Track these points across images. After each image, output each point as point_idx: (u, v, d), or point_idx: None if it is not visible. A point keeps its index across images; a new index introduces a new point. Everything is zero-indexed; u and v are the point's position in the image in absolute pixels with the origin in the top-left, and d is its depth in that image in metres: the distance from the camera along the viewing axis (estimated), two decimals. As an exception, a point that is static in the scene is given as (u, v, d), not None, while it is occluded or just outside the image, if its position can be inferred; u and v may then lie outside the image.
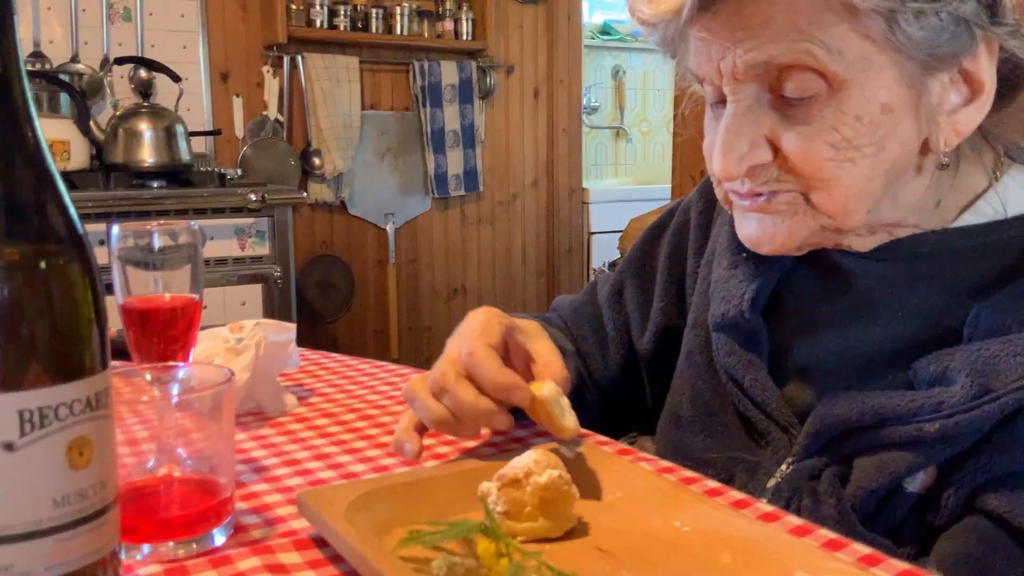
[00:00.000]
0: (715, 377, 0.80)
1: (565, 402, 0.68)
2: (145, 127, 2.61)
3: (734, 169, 0.66)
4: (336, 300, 3.45)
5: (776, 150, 0.65)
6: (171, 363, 0.71)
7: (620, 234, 2.79)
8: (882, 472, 0.64)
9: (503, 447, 0.76)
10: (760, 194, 0.68)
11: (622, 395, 0.94)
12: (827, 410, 0.67)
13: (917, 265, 0.71)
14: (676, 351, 0.87)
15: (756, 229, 0.70)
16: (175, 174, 2.66)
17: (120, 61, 2.80)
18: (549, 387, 0.67)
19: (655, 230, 0.94)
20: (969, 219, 0.70)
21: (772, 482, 0.71)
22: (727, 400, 0.79)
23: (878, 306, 0.72)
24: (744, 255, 0.79)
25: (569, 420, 0.68)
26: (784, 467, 0.70)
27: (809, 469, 0.68)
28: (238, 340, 0.83)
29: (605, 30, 4.62)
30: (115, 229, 0.74)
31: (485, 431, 0.75)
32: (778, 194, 0.67)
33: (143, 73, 2.75)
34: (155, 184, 2.59)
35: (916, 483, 0.64)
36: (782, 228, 0.68)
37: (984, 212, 0.70)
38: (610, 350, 0.94)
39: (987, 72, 0.65)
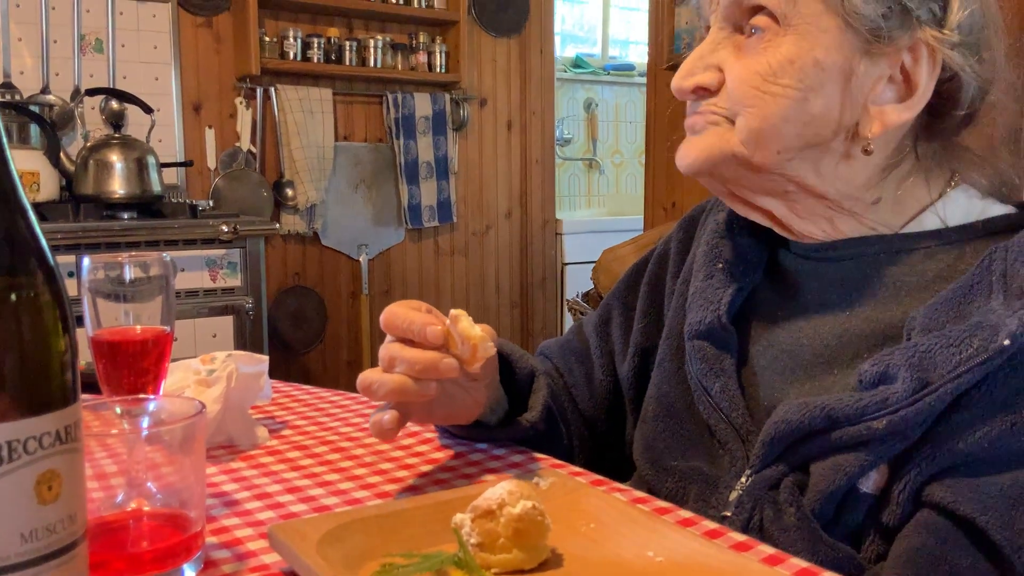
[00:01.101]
0: (683, 384, 0.83)
1: (472, 321, 0.71)
2: (116, 158, 2.60)
3: (683, 82, 0.75)
4: (308, 332, 3.43)
5: (723, 81, 0.73)
6: (141, 396, 0.70)
7: (593, 265, 2.80)
8: (837, 474, 0.65)
9: (476, 478, 0.76)
10: (699, 112, 0.75)
11: (609, 427, 0.95)
12: (780, 417, 0.69)
13: (863, 266, 0.75)
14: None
15: (682, 148, 0.77)
16: (146, 205, 2.65)
17: (91, 92, 2.79)
18: (456, 310, 0.71)
19: (641, 263, 0.99)
20: (913, 228, 0.75)
21: (734, 495, 0.72)
22: (692, 406, 0.81)
23: (826, 306, 0.76)
24: (719, 265, 0.83)
25: (479, 330, 0.71)
26: (744, 479, 0.72)
27: (768, 479, 0.70)
28: (209, 372, 0.83)
29: (577, 63, 4.68)
30: (86, 261, 0.73)
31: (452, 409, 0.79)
32: (712, 114, 0.74)
33: (114, 104, 2.74)
34: (125, 216, 2.58)
35: (870, 483, 0.66)
36: (699, 143, 0.75)
37: (928, 222, 0.74)
38: (596, 378, 0.96)
39: (924, 76, 0.70)
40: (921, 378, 0.63)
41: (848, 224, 0.76)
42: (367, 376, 0.72)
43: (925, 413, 0.62)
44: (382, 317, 0.73)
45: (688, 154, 0.76)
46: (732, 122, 0.72)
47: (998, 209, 0.74)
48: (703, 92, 0.75)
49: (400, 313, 0.72)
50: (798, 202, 0.75)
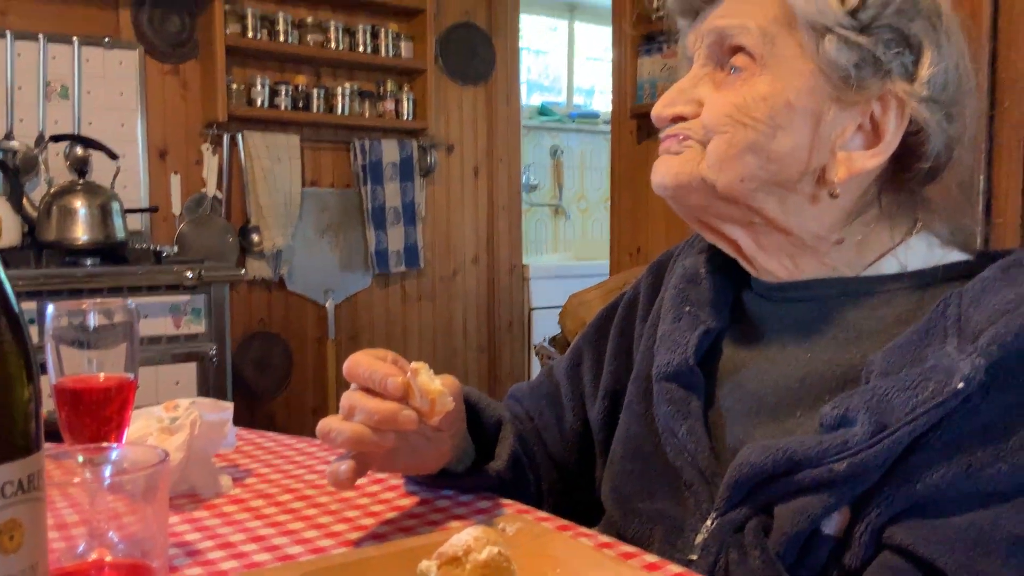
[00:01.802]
0: (651, 426, 0.84)
1: (432, 374, 0.72)
2: (80, 204, 2.58)
3: (663, 110, 0.78)
4: (273, 378, 3.40)
5: (700, 113, 0.76)
6: (104, 444, 0.69)
7: (560, 310, 2.82)
8: (800, 516, 0.66)
9: (442, 525, 0.76)
10: (674, 136, 0.77)
11: (579, 471, 0.96)
12: (744, 459, 0.70)
13: (823, 308, 0.77)
14: None
15: (656, 166, 0.79)
16: (109, 252, 2.62)
17: (56, 139, 2.78)
18: (417, 363, 0.72)
19: (611, 307, 1.00)
20: (874, 271, 0.77)
21: (699, 538, 0.73)
22: (660, 448, 0.81)
23: (789, 348, 0.77)
24: (687, 309, 0.84)
25: (439, 383, 0.71)
26: (709, 522, 0.72)
27: (733, 522, 0.70)
28: (173, 420, 0.82)
29: (543, 111, 4.75)
30: (50, 308, 0.73)
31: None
32: (686, 138, 0.76)
33: (79, 150, 2.72)
34: (88, 262, 2.55)
35: (832, 525, 0.66)
36: (672, 163, 0.77)
37: (888, 267, 0.76)
38: (567, 422, 0.96)
39: (891, 126, 0.72)
40: (879, 421, 0.64)
41: (810, 263, 0.77)
42: (326, 423, 0.72)
43: (884, 455, 0.63)
44: (345, 365, 0.74)
45: (659, 173, 0.78)
46: (704, 147, 0.75)
47: (956, 256, 0.77)
48: (680, 121, 0.77)
49: (363, 362, 0.73)
50: (763, 235, 0.77)
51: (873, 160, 0.73)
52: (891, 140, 0.73)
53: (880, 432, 0.63)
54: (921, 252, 0.76)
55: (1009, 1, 1.63)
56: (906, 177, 0.76)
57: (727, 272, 0.84)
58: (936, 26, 0.72)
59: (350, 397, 0.72)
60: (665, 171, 0.77)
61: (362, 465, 0.72)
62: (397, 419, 0.70)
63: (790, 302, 0.79)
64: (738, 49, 0.74)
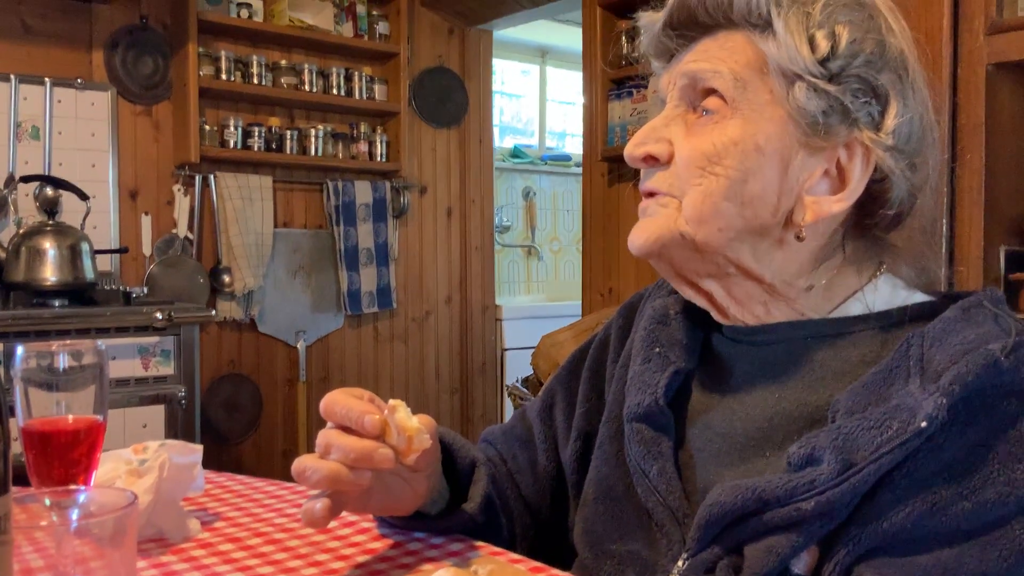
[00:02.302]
0: (622, 466, 0.84)
1: (410, 412, 0.73)
2: (49, 245, 2.56)
3: (635, 150, 0.79)
4: (242, 421, 3.36)
5: (672, 154, 0.77)
6: (71, 487, 0.68)
7: (533, 350, 2.82)
8: (769, 555, 0.66)
9: (415, 568, 0.76)
10: (652, 194, 0.78)
11: (553, 513, 0.96)
12: (713, 499, 0.70)
13: (792, 350, 0.77)
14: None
15: (634, 231, 0.79)
16: (78, 293, 2.60)
17: (26, 179, 2.76)
18: (395, 400, 0.73)
19: (583, 348, 1.00)
20: (840, 313, 0.78)
21: None
22: (631, 489, 0.82)
23: (757, 389, 0.78)
24: (656, 350, 0.85)
25: (416, 421, 0.72)
26: (680, 563, 0.72)
27: (704, 562, 0.70)
28: (142, 462, 0.81)
29: (515, 153, 4.80)
30: (19, 349, 0.72)
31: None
32: (662, 196, 0.77)
33: (49, 191, 2.71)
34: (56, 303, 2.52)
35: (802, 564, 0.67)
36: (650, 225, 0.78)
37: (854, 308, 0.78)
38: (540, 464, 0.96)
39: (857, 172, 0.74)
40: (845, 459, 0.64)
41: (781, 310, 0.79)
42: (301, 461, 0.72)
43: (851, 494, 0.64)
44: (322, 402, 0.74)
45: (639, 236, 0.79)
46: (680, 202, 0.76)
47: (920, 298, 0.78)
48: (652, 161, 0.78)
49: (339, 400, 0.73)
50: (736, 285, 0.78)
51: (839, 205, 0.74)
52: (856, 186, 0.74)
53: (846, 471, 0.64)
54: (885, 294, 0.78)
55: (968, 52, 1.68)
56: (870, 223, 0.77)
57: (696, 313, 0.85)
58: (903, 78, 0.74)
59: (326, 435, 0.72)
60: (644, 233, 0.78)
61: (337, 504, 0.72)
62: (373, 457, 0.70)
63: (758, 345, 0.80)
64: (711, 92, 0.76)
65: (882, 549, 0.64)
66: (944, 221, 1.69)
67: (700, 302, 0.82)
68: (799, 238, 0.75)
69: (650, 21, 0.82)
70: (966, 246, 1.68)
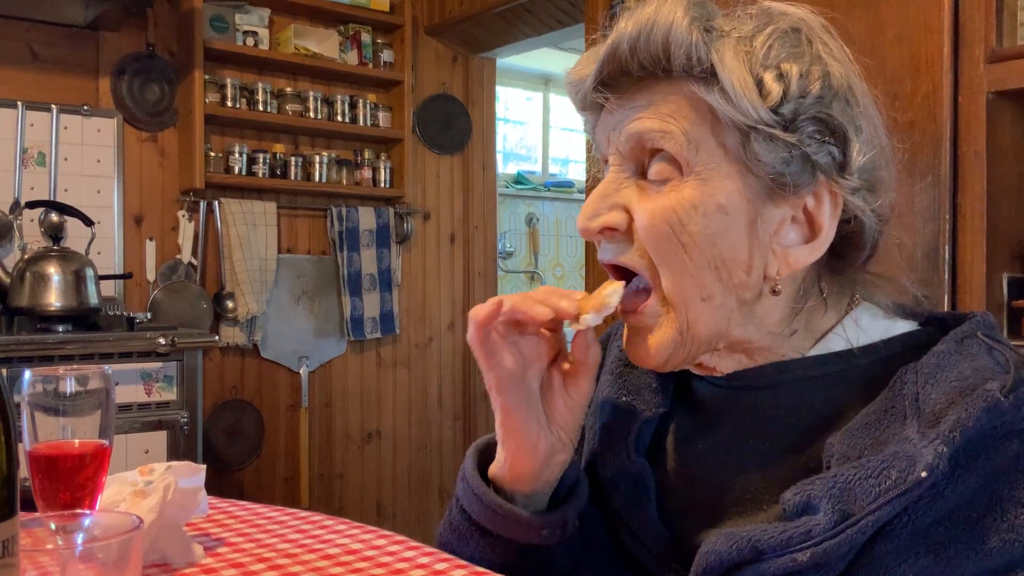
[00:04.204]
0: (609, 520, 0.82)
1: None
2: (53, 271, 2.57)
3: (589, 223, 0.74)
4: (244, 447, 3.35)
5: (631, 221, 0.73)
6: (76, 511, 0.69)
7: (535, 377, 2.82)
8: None
9: (418, 594, 0.75)
10: (635, 311, 0.75)
11: None
12: (709, 548, 0.68)
13: (778, 394, 0.75)
14: None
15: (631, 346, 0.76)
16: (82, 318, 2.60)
17: (31, 205, 2.77)
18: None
19: None
20: (820, 350, 0.75)
21: None
22: (621, 544, 0.80)
23: (746, 438, 0.76)
24: (623, 399, 0.83)
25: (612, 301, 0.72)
26: None
27: None
28: (147, 483, 0.81)
29: (519, 180, 4.82)
30: (26, 374, 0.73)
31: None
32: (645, 303, 0.74)
33: (54, 217, 2.72)
34: (60, 328, 2.53)
35: None
36: (648, 346, 0.74)
37: (834, 344, 0.75)
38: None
39: (827, 219, 0.71)
40: (842, 510, 0.62)
41: (763, 355, 0.76)
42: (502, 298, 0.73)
43: (847, 545, 0.62)
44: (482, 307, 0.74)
45: (642, 356, 0.75)
46: (668, 310, 0.72)
47: (901, 326, 0.76)
48: (611, 233, 0.74)
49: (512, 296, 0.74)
50: (722, 348, 0.76)
51: (812, 255, 0.72)
52: (828, 233, 0.71)
53: (844, 521, 0.62)
54: (865, 326, 0.75)
55: (968, 81, 1.70)
56: (844, 264, 0.75)
57: None
58: (850, 103, 0.70)
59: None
60: (647, 354, 0.74)
61: (508, 336, 0.74)
62: (558, 298, 0.72)
63: (742, 390, 0.77)
64: (658, 152, 0.71)
65: None
66: (946, 248, 1.70)
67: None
68: (775, 292, 0.72)
69: (578, 78, 0.77)
70: (968, 273, 1.68)
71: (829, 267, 0.75)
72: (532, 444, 0.76)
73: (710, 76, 0.69)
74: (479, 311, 0.73)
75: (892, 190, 0.75)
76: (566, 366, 0.77)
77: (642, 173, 0.74)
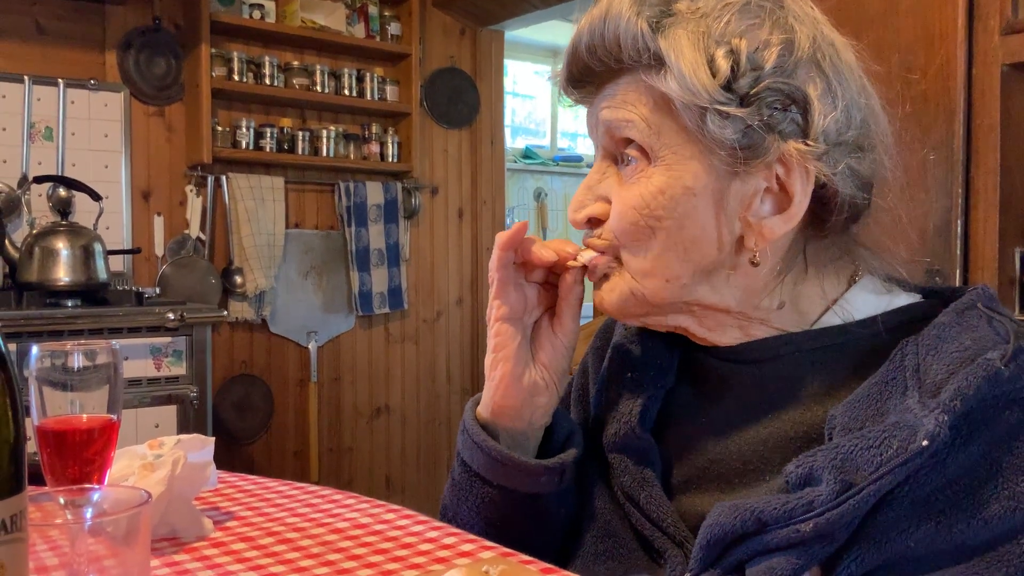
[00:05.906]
0: (614, 499, 0.83)
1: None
2: (62, 245, 2.58)
3: (575, 215, 0.79)
4: (254, 421, 3.37)
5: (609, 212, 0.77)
6: (85, 486, 0.69)
7: (543, 352, 2.82)
8: None
9: (425, 567, 0.76)
10: (594, 262, 0.78)
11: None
12: (714, 520, 0.68)
13: (780, 367, 0.75)
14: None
15: (595, 297, 0.81)
16: (91, 293, 2.61)
17: (39, 180, 2.77)
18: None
19: (572, 379, 0.98)
20: (822, 323, 0.76)
21: None
22: (625, 521, 0.81)
23: (749, 410, 0.76)
24: (628, 375, 0.84)
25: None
26: None
27: None
28: (156, 457, 0.81)
29: (527, 154, 4.80)
30: (34, 349, 0.73)
31: None
32: (606, 263, 0.78)
33: (62, 191, 2.72)
34: (69, 303, 2.54)
35: None
36: (608, 292, 0.78)
37: (836, 318, 0.75)
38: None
39: (798, 186, 0.71)
40: (844, 480, 0.62)
41: (759, 330, 0.76)
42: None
43: (851, 515, 0.62)
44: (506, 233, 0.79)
45: (604, 301, 0.79)
46: (622, 264, 0.76)
47: (902, 299, 0.76)
48: (596, 223, 0.78)
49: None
50: (706, 318, 0.77)
51: (786, 224, 0.72)
52: (800, 201, 0.71)
53: (845, 491, 0.62)
54: (865, 300, 0.75)
55: (983, 53, 1.67)
56: (826, 227, 0.75)
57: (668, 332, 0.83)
58: (821, 68, 0.70)
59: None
60: (606, 301, 0.79)
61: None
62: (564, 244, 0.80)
63: (746, 363, 0.78)
64: (629, 142, 0.74)
65: (886, 568, 0.62)
66: (958, 222, 1.68)
67: (677, 331, 0.80)
68: (754, 263, 0.73)
69: (557, 76, 0.81)
70: (981, 247, 1.67)
71: (812, 231, 0.75)
72: (517, 375, 0.82)
73: (660, 63, 0.70)
74: (504, 234, 0.80)
75: (886, 151, 0.74)
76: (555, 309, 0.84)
77: (618, 162, 0.77)
